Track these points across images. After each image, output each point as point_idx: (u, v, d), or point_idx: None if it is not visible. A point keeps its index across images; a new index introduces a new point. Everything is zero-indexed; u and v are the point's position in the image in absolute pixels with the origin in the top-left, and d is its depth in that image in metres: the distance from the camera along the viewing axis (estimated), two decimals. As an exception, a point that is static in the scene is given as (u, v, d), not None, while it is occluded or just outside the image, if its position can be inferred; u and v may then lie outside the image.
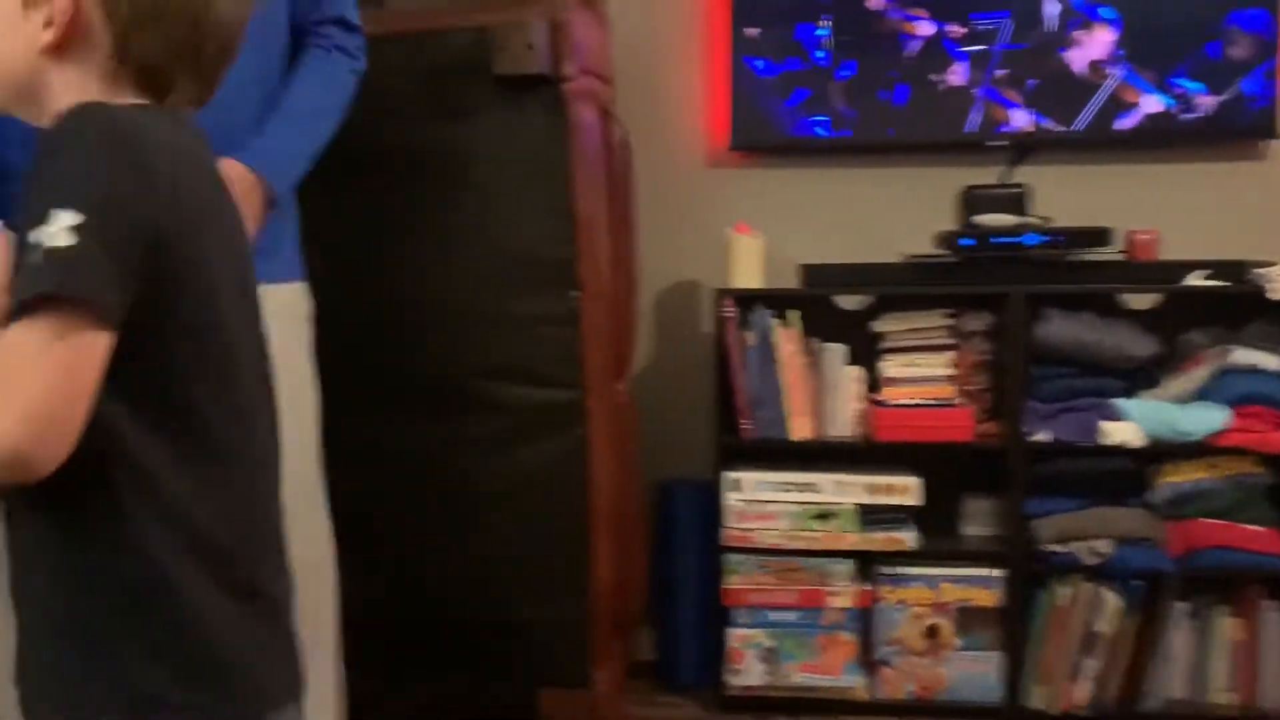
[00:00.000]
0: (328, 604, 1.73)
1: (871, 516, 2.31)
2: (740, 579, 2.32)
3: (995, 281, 2.30)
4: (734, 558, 2.32)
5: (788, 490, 2.30)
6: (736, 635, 2.32)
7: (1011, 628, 2.28)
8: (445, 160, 2.00)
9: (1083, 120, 2.44)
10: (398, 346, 2.05)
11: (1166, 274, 2.31)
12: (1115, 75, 2.42)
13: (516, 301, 2.00)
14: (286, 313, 1.62)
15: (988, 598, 2.28)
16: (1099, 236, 2.29)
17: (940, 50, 2.46)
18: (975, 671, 2.30)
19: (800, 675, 2.31)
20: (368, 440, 2.06)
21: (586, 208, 2.04)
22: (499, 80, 1.96)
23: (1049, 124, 2.45)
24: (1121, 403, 2.24)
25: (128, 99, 0.86)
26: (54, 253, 0.74)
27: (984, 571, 2.29)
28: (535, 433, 2.02)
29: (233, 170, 1.34)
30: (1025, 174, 2.50)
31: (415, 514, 2.06)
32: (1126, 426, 2.21)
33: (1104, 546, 2.23)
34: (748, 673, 2.32)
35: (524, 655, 2.07)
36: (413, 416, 2.05)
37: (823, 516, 2.30)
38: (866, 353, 2.40)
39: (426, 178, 1.99)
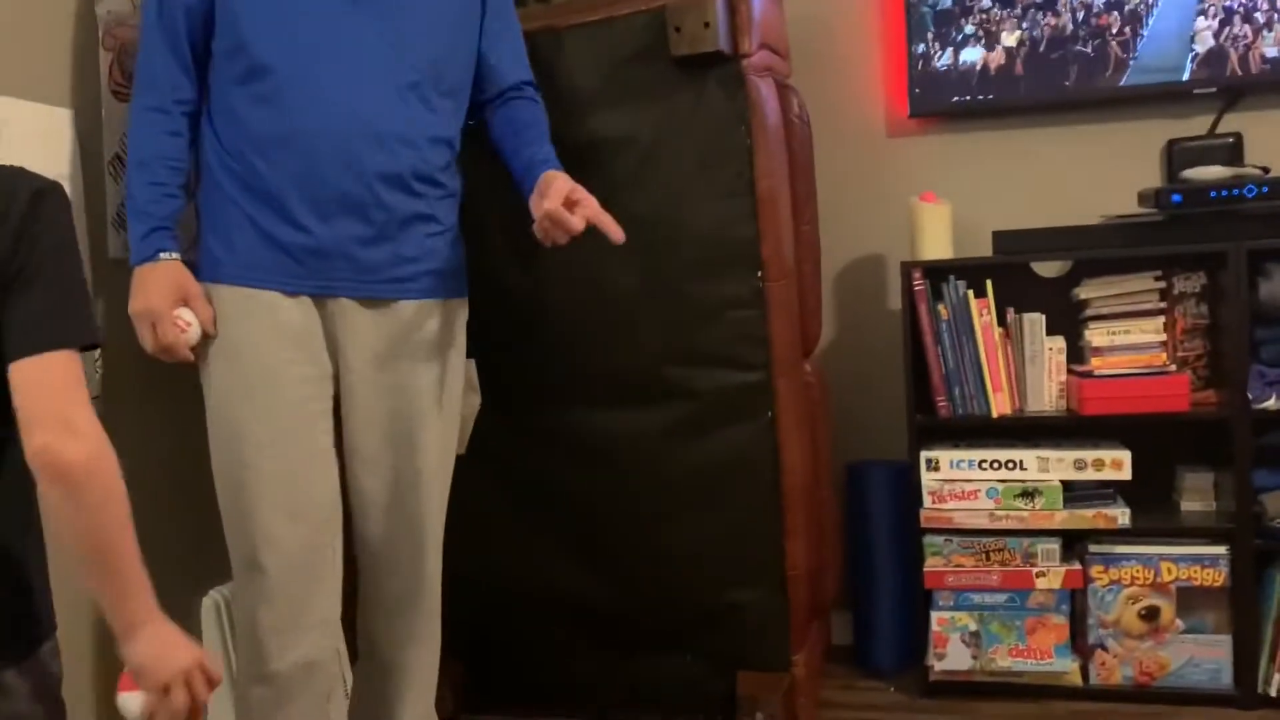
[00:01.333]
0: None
1: (1079, 493, 2.20)
2: (940, 561, 2.24)
3: (1211, 239, 2.14)
4: (933, 539, 2.24)
5: (988, 468, 2.21)
6: (938, 618, 2.24)
7: (1241, 609, 2.13)
8: (626, 147, 2.00)
9: (1304, 58, 2.24)
10: (585, 335, 2.07)
11: None
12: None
13: (701, 285, 1.99)
14: (459, 323, 1.80)
15: (1213, 577, 2.13)
16: (1329, 184, 2.10)
17: (1138, -5, 2.30)
18: (1202, 656, 2.15)
19: (1008, 659, 2.22)
20: (562, 429, 2.10)
21: (768, 186, 2.00)
22: (677, 61, 1.94)
23: (1259, 66, 2.26)
24: (1362, 364, 2.05)
25: None
26: None
27: (1207, 549, 2.14)
28: (725, 416, 2.01)
29: (564, 182, 1.63)
30: (1236, 121, 2.32)
31: (612, 500, 2.07)
32: (1369, 390, 2.03)
33: (1346, 521, 2.05)
34: (951, 657, 2.24)
35: (722, 638, 2.06)
36: (603, 404, 2.07)
37: (1027, 494, 2.19)
38: (1069, 322, 2.28)
39: (609, 165, 1.99)
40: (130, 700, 1.05)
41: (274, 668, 1.62)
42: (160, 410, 1.90)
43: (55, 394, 0.96)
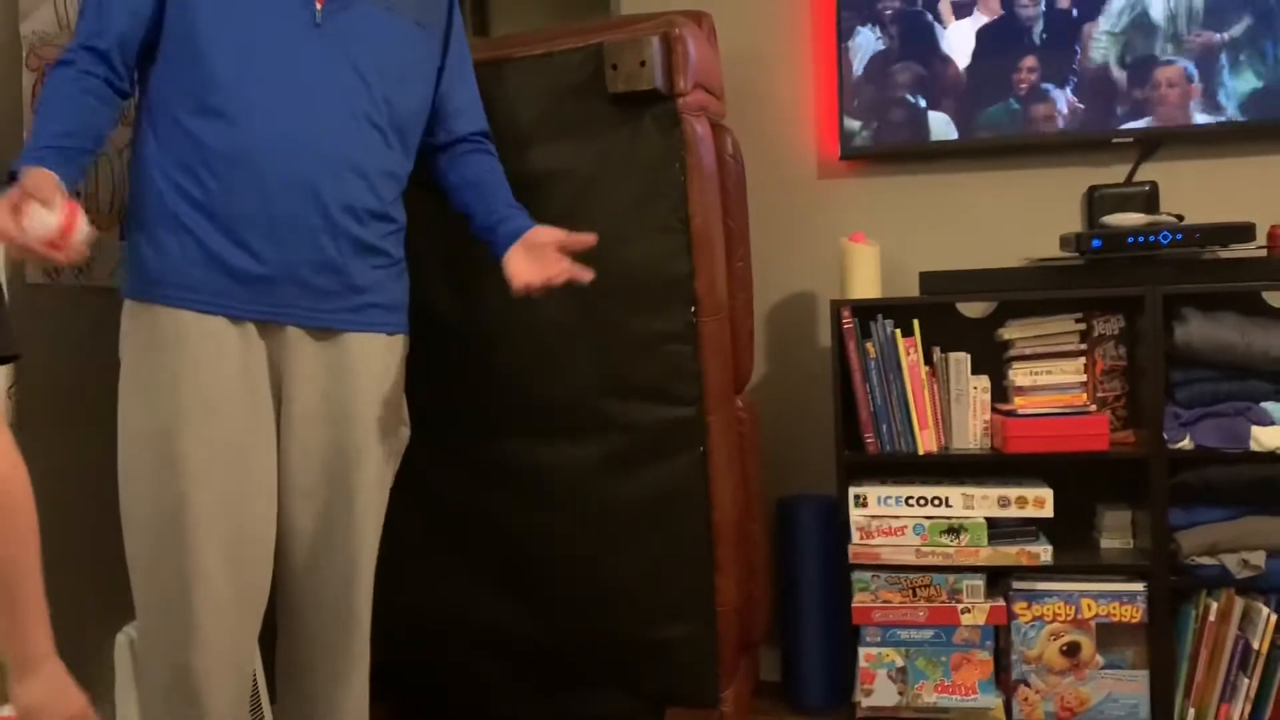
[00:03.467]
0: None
1: (1003, 530, 2.23)
2: (868, 596, 2.26)
3: (1129, 283, 2.20)
4: (861, 575, 2.26)
5: (915, 505, 2.24)
6: (866, 654, 2.26)
7: (1158, 645, 2.18)
8: (563, 180, 2.01)
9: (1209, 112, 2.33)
10: (517, 366, 2.06)
11: (1314, 269, 2.19)
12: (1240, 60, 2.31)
13: (636, 319, 2.00)
14: (400, 359, 1.79)
15: (1131, 613, 2.18)
16: (1240, 232, 2.18)
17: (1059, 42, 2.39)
18: (1121, 691, 2.20)
19: (934, 695, 2.24)
20: (492, 459, 2.08)
21: (702, 223, 2.02)
22: (614, 99, 1.96)
23: (1175, 119, 2.35)
24: (1272, 406, 2.12)
25: None
26: None
27: (1126, 586, 2.19)
28: (658, 450, 2.01)
29: (542, 234, 1.74)
30: (1152, 170, 2.40)
31: (539, 531, 2.06)
32: (1278, 431, 2.10)
33: (1256, 558, 2.11)
34: (879, 693, 2.26)
35: (651, 673, 2.06)
36: (536, 437, 2.06)
37: (952, 531, 2.23)
38: (993, 361, 2.33)
39: (545, 198, 1.99)
40: None
41: (207, 711, 1.58)
42: (74, 439, 1.85)
43: None
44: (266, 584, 1.65)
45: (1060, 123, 2.40)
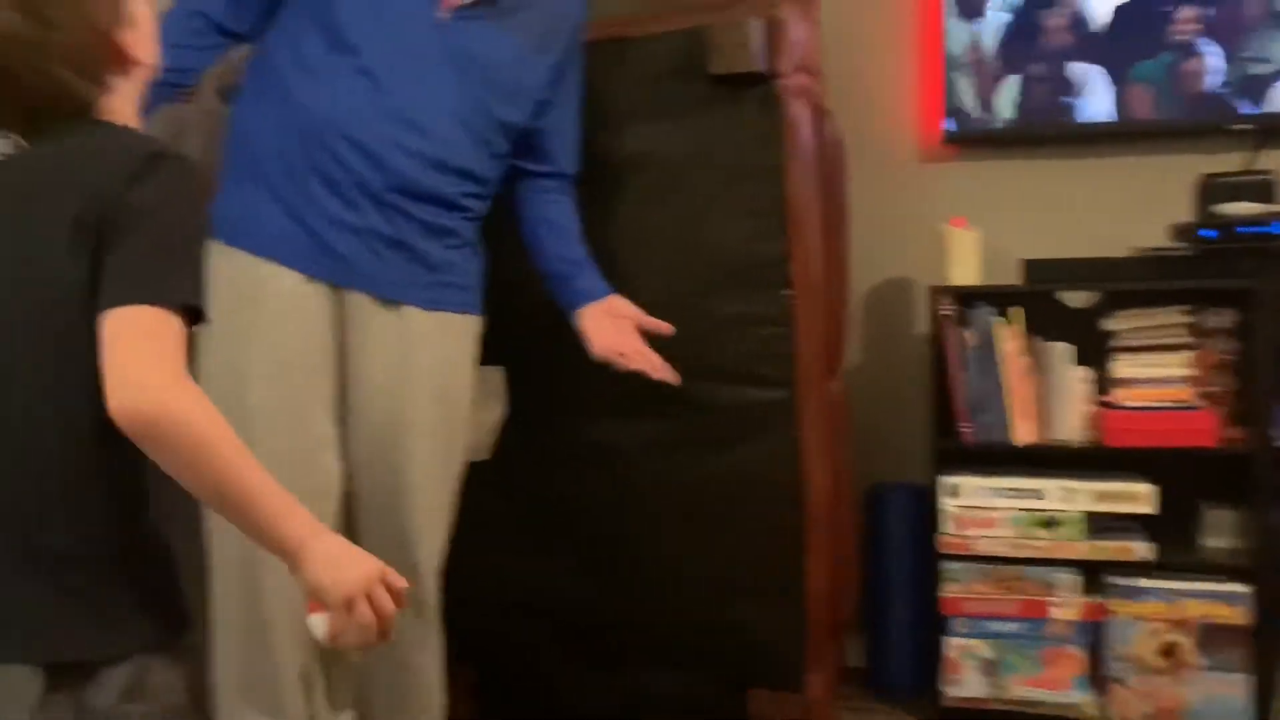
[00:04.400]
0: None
1: (1101, 525, 2.19)
2: (958, 587, 2.24)
3: (1241, 275, 2.13)
4: (951, 565, 2.24)
5: (1010, 496, 2.20)
6: (954, 644, 2.24)
7: (1262, 648, 2.11)
8: (659, 162, 2.02)
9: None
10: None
11: None
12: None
13: (729, 301, 2.00)
14: (470, 338, 1.81)
15: (1233, 615, 2.12)
16: (1363, 224, 2.09)
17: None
18: (1220, 693, 2.13)
19: (1023, 689, 2.21)
20: (583, 440, 2.11)
21: (799, 205, 2.01)
22: (713, 80, 1.96)
23: (1302, 103, 2.26)
24: (1392, 406, 2.04)
25: None
26: None
27: (1228, 586, 2.13)
28: (748, 433, 2.01)
29: (625, 306, 1.87)
30: (1271, 159, 2.31)
31: (629, 513, 2.08)
32: (1398, 432, 2.01)
33: (1371, 563, 2.03)
34: (966, 683, 2.23)
35: (736, 655, 2.06)
36: (627, 416, 2.08)
37: (1048, 524, 2.19)
38: (1095, 353, 2.27)
39: (640, 180, 2.01)
40: (317, 622, 1.00)
41: (278, 665, 1.65)
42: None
43: (124, 348, 0.92)
44: None
45: (1174, 109, 2.32)
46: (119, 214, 0.96)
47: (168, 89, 1.59)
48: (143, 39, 1.08)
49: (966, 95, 2.44)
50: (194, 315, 0.98)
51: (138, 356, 0.92)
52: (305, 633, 1.69)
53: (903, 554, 2.40)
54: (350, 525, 1.75)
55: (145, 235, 0.95)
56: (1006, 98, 2.41)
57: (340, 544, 1.01)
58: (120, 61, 1.05)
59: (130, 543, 1.00)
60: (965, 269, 2.29)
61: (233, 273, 1.64)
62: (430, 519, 1.77)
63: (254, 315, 1.62)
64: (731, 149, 1.98)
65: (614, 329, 1.85)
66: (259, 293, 1.63)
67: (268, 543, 0.98)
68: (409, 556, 1.75)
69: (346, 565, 0.99)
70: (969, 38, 2.43)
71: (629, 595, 2.10)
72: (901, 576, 2.40)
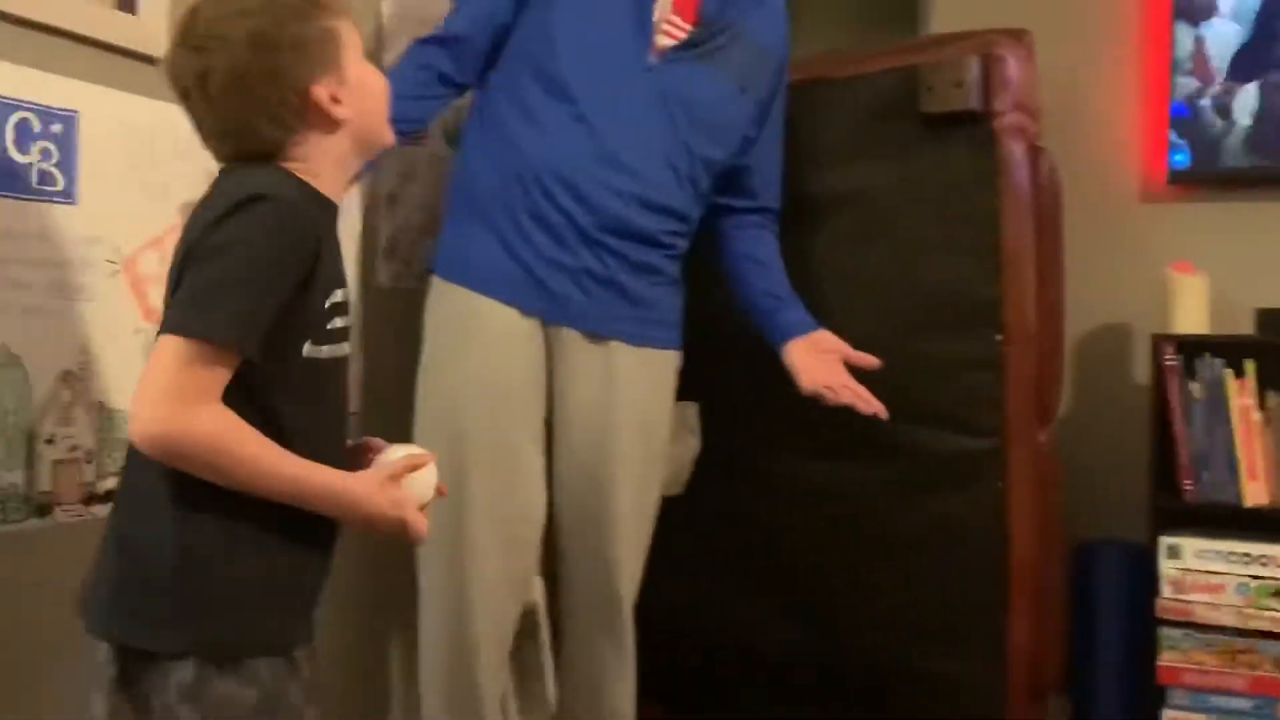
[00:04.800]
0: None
1: (1344, 599, 2.00)
2: (1176, 655, 2.09)
3: None
4: (1170, 632, 2.09)
5: (1238, 561, 2.05)
6: (1172, 718, 2.09)
7: None
8: (869, 202, 2.00)
9: None
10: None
11: None
12: None
13: (938, 344, 1.95)
14: (671, 373, 1.87)
15: None
16: None
17: None
18: None
19: (1250, 772, 2.04)
20: (780, 478, 2.10)
21: (1013, 247, 1.95)
22: (926, 120, 1.92)
23: None
24: None
25: None
26: None
27: None
28: (953, 480, 1.95)
29: (832, 341, 1.86)
30: None
31: (826, 553, 2.05)
32: None
33: None
34: (1185, 761, 2.08)
35: (935, 708, 1.99)
36: (825, 456, 2.05)
37: (1281, 594, 2.02)
38: (1340, 410, 2.09)
39: (850, 220, 1.99)
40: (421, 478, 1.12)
41: (479, 685, 1.70)
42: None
43: (145, 378, 1.00)
44: (533, 567, 1.76)
45: None
46: (198, 250, 1.02)
47: (397, 136, 1.68)
48: (355, 99, 1.12)
49: (1194, 130, 2.30)
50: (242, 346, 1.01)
51: (150, 386, 0.99)
52: (505, 656, 1.75)
53: (1115, 617, 2.26)
54: (553, 551, 1.80)
55: (203, 271, 1.01)
56: (1239, 126, 2.26)
57: (367, 489, 1.09)
58: (317, 116, 1.10)
59: (208, 552, 1.03)
60: (1191, 317, 2.15)
61: (451, 307, 1.72)
62: (630, 549, 1.80)
63: (470, 348, 1.70)
64: (944, 189, 1.94)
65: (821, 363, 1.83)
66: (476, 327, 1.70)
67: (315, 507, 1.06)
68: (610, 584, 1.78)
69: (381, 500, 1.09)
70: (1194, 70, 2.29)
71: (827, 638, 2.06)
72: (1112, 641, 2.26)
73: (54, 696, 1.41)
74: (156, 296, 1.57)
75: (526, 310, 1.70)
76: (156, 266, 1.56)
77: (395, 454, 1.14)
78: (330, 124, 1.11)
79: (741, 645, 2.16)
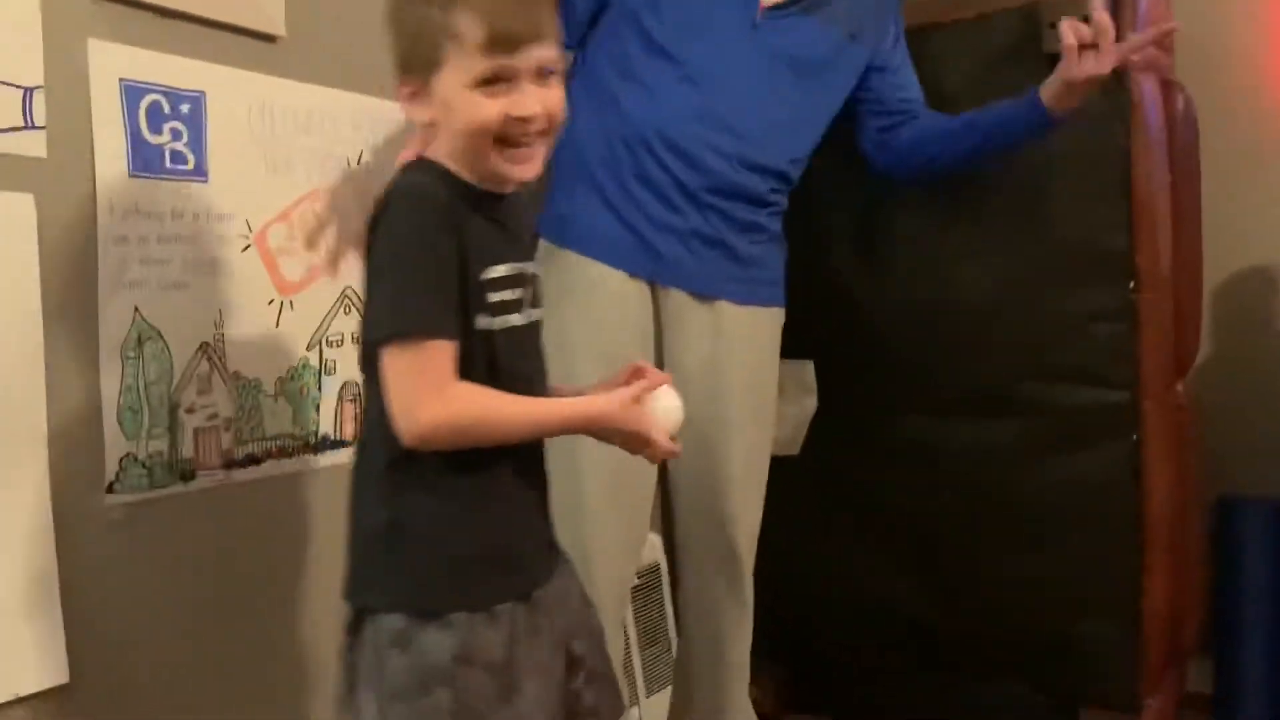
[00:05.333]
0: None
1: None
2: (1328, 614, 1.99)
3: None
4: (1321, 590, 2.00)
5: (1398, 516, 1.93)
6: (1322, 680, 2.00)
7: None
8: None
9: None
10: (931, 342, 2.02)
11: None
12: None
13: (1068, 295, 1.88)
14: (775, 331, 1.83)
15: None
16: None
17: None
18: None
19: None
20: (903, 438, 2.06)
21: (1147, 191, 1.86)
22: (1050, 59, 1.84)
23: None
24: None
25: None
26: None
27: None
28: (1087, 436, 1.89)
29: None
30: None
31: (954, 515, 2.01)
32: None
33: None
34: (1336, 724, 1.99)
35: (1069, 671, 1.94)
36: (949, 415, 2.01)
37: None
38: None
39: (973, 169, 1.92)
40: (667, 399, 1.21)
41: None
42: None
43: (388, 387, 1.08)
44: (645, 526, 1.77)
45: None
46: (368, 261, 1.11)
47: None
48: (441, 116, 1.12)
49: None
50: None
51: (397, 398, 1.08)
52: (624, 615, 1.76)
53: (1257, 574, 2.16)
54: (668, 509, 1.81)
55: (381, 280, 1.10)
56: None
57: (614, 410, 1.18)
58: (417, 118, 1.14)
59: (409, 523, 1.13)
60: (1343, 257, 2.03)
61: (562, 271, 1.73)
62: (746, 504, 1.80)
63: (581, 311, 1.70)
64: (1071, 132, 1.85)
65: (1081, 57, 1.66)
66: (586, 291, 1.71)
67: (575, 432, 1.20)
68: (726, 541, 1.78)
69: (629, 420, 1.19)
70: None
71: (954, 599, 2.03)
72: (1256, 599, 2.17)
73: (191, 654, 1.49)
74: (286, 268, 1.62)
75: (635, 273, 1.70)
76: (285, 240, 1.61)
77: (637, 382, 1.23)
78: (427, 127, 1.15)
79: (867, 609, 2.13)
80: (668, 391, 1.22)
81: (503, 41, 1.07)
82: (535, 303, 1.22)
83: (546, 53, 1.11)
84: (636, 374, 1.25)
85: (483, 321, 1.12)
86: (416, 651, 1.10)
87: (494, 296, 1.13)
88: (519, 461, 1.18)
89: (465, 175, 1.14)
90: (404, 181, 1.13)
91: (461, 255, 1.09)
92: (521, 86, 1.10)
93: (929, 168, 1.87)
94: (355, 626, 1.14)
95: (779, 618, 2.01)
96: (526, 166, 1.14)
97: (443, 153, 1.14)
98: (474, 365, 1.11)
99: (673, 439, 1.23)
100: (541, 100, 1.11)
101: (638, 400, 1.20)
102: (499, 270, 1.14)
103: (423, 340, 1.07)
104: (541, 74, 1.11)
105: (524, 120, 1.10)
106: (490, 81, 1.08)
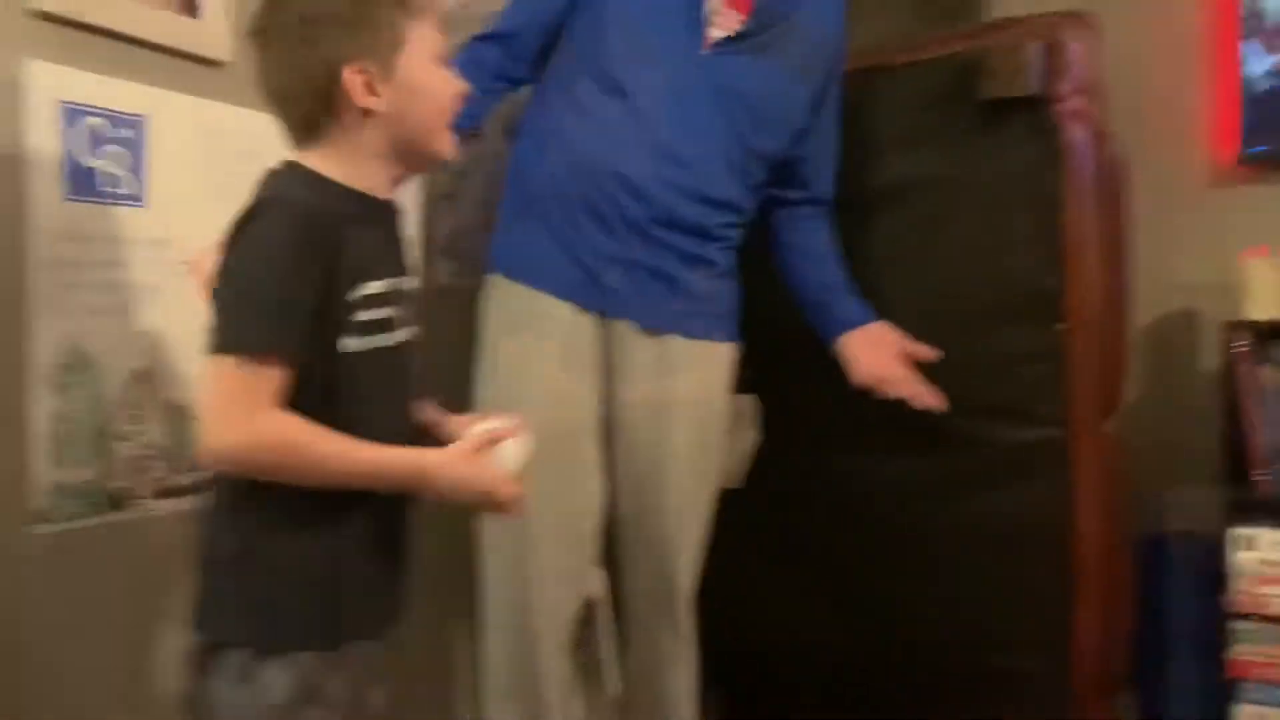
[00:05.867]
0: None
1: None
2: (1250, 649, 2.04)
3: None
4: (1244, 625, 2.04)
5: (1315, 554, 1.99)
6: (1245, 712, 2.04)
7: None
8: (926, 189, 1.97)
9: None
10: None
11: None
12: None
13: (998, 335, 1.92)
14: (726, 365, 1.85)
15: None
16: None
17: None
18: None
19: (1327, 769, 1.99)
20: (842, 474, 2.08)
21: (1076, 234, 1.91)
22: (986, 105, 1.89)
23: None
24: None
25: None
26: None
27: None
28: (1016, 474, 1.92)
29: (888, 333, 1.86)
30: None
31: (886, 550, 2.03)
32: None
33: None
34: (1259, 757, 2.03)
35: (1000, 705, 1.96)
36: (881, 451, 2.03)
37: (1361, 588, 1.96)
38: None
39: (905, 210, 1.97)
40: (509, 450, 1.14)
41: (540, 675, 1.72)
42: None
43: (204, 399, 1.06)
44: (591, 558, 1.77)
45: None
46: (221, 269, 1.06)
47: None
48: (400, 98, 1.08)
49: (1265, 109, 2.23)
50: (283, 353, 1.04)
51: (210, 408, 1.04)
52: (567, 646, 1.76)
53: (1184, 610, 2.22)
54: (612, 542, 1.81)
55: (229, 289, 1.05)
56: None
57: (453, 466, 1.12)
58: (347, 100, 1.08)
59: (255, 556, 1.09)
60: (1265, 303, 2.10)
61: (511, 304, 1.73)
62: (688, 540, 1.81)
63: (529, 345, 1.71)
64: (1005, 177, 1.90)
65: (877, 355, 1.83)
66: (533, 323, 1.71)
67: (397, 488, 1.11)
68: (667, 574, 1.79)
69: (467, 478, 1.12)
70: (1265, 45, 2.23)
71: (886, 635, 2.04)
72: (1183, 635, 2.22)
73: (124, 686, 1.46)
74: (223, 296, 1.60)
75: (583, 305, 1.71)
76: (223, 266, 1.60)
77: (480, 428, 1.15)
78: (363, 112, 1.09)
79: (798, 640, 2.14)
80: (510, 443, 1.15)
81: (443, 20, 1.10)
82: (409, 320, 1.17)
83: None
84: (465, 423, 1.20)
85: (348, 344, 1.08)
86: (256, 688, 1.06)
87: (363, 316, 1.09)
88: (378, 499, 1.12)
89: (358, 180, 1.11)
90: (275, 191, 1.09)
91: (331, 274, 1.05)
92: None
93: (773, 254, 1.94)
94: (201, 662, 1.10)
95: (721, 651, 2.01)
96: (455, 146, 1.15)
97: (350, 153, 1.10)
98: (337, 388, 1.07)
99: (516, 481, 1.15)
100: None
101: (476, 454, 1.13)
102: (373, 287, 1.09)
103: (253, 358, 1.02)
104: None
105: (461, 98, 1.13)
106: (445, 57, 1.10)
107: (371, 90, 1.08)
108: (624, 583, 1.85)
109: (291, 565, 1.09)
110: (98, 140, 1.42)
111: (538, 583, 1.70)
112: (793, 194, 1.90)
